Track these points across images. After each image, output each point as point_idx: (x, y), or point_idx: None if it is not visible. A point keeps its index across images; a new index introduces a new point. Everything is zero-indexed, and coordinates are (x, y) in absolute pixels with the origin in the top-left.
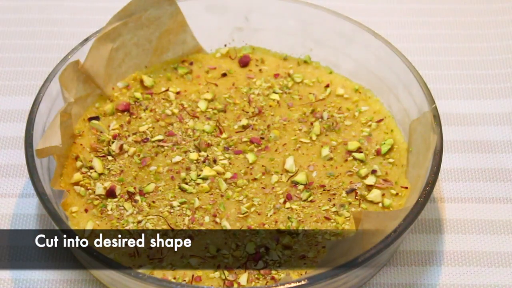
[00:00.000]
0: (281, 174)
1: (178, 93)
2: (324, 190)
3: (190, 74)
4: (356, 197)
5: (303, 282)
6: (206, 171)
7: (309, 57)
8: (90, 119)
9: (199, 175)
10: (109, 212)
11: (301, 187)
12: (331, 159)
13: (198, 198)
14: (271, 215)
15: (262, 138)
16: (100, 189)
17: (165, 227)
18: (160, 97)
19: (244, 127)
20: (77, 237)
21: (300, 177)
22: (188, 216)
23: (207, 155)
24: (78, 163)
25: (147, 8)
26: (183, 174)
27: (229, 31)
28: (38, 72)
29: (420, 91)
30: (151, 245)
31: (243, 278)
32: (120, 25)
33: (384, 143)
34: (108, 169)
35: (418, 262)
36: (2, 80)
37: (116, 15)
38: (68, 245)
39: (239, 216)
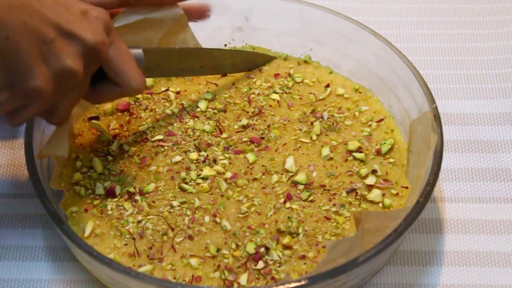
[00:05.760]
0: (281, 174)
1: (178, 93)
2: (324, 190)
3: None
4: (357, 197)
5: (303, 282)
6: (206, 171)
7: (309, 57)
8: (90, 119)
9: (199, 175)
10: (109, 212)
11: (301, 187)
12: (331, 159)
13: (198, 198)
14: (271, 215)
15: (262, 138)
16: (100, 189)
17: (165, 227)
18: (160, 97)
19: (244, 127)
20: (77, 237)
21: (300, 177)
22: (188, 216)
23: (207, 155)
24: (78, 163)
25: (151, 11)
26: (183, 174)
27: (229, 31)
28: None
29: (421, 91)
30: (151, 245)
31: (243, 278)
32: (122, 27)
33: (385, 143)
34: (108, 169)
35: (418, 262)
36: None
37: (118, 16)
38: (68, 245)
39: (239, 216)
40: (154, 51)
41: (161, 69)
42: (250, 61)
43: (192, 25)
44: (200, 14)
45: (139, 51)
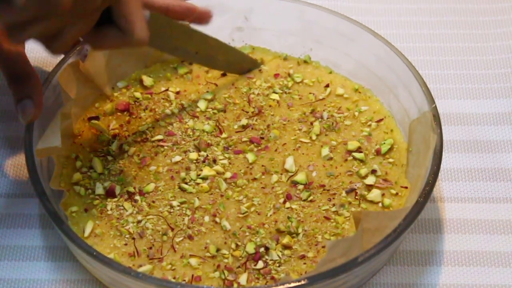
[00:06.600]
0: (281, 174)
1: (178, 93)
2: (324, 190)
3: (190, 73)
4: (356, 197)
5: (303, 282)
6: (206, 171)
7: (309, 57)
8: (90, 119)
9: (199, 175)
10: (109, 212)
11: (301, 187)
12: (331, 159)
13: (198, 198)
14: (271, 215)
15: (262, 138)
16: (100, 189)
17: (165, 227)
18: (160, 97)
19: (244, 127)
20: (76, 237)
21: (300, 177)
22: (188, 216)
23: (207, 155)
24: (78, 163)
25: None
26: (183, 174)
27: (229, 31)
28: (38, 72)
29: (420, 91)
30: (151, 245)
31: (243, 278)
32: None
33: (384, 143)
34: (108, 169)
35: (418, 262)
36: (2, 79)
37: None
38: (68, 245)
39: (239, 216)
40: (159, 17)
41: (158, 40)
42: (238, 64)
43: (192, 25)
44: (203, 19)
45: (146, 12)
